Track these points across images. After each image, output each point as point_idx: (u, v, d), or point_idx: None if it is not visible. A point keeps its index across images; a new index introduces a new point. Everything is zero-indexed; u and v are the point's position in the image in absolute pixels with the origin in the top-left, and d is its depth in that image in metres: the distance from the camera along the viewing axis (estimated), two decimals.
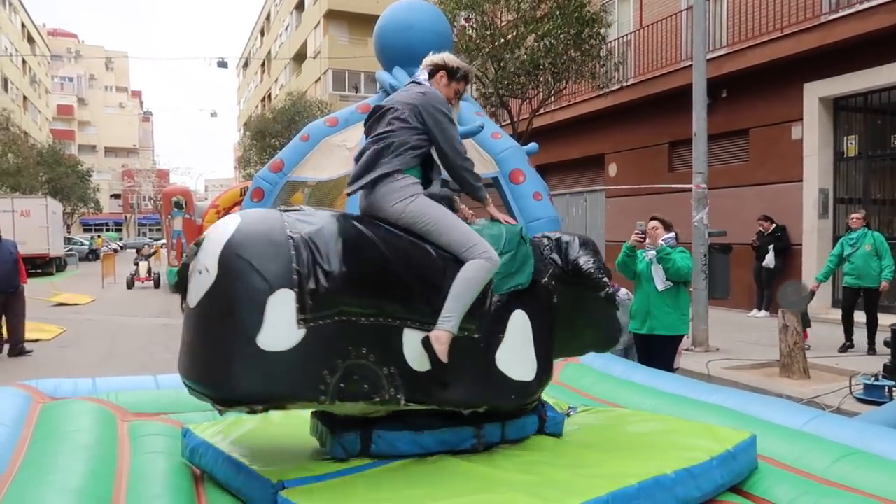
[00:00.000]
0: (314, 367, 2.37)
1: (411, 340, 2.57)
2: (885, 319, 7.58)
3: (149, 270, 18.70)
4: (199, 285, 2.40)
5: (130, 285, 18.16)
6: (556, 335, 3.01)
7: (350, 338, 2.44)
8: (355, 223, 2.60)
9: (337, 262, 2.45)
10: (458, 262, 2.67)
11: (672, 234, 5.21)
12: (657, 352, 5.13)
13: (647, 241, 5.17)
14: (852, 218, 7.98)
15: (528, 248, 2.97)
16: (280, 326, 2.33)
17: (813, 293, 8.00)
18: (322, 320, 2.39)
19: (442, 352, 2.54)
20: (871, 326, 7.66)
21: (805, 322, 7.38)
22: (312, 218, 2.56)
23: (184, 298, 2.53)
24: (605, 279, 2.99)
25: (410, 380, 2.55)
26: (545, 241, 3.13)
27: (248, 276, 2.34)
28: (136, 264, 18.75)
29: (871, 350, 7.50)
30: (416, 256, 2.63)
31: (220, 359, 2.33)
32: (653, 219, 5.33)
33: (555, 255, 3.06)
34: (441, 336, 2.55)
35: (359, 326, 2.46)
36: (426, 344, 2.55)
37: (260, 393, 2.34)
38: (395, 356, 2.53)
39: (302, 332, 2.36)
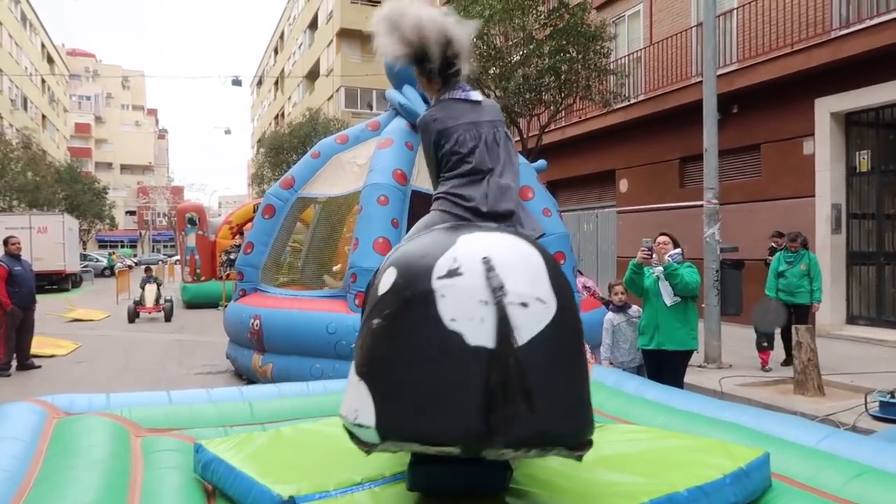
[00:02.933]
0: None
1: None
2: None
3: (158, 298, 14.57)
4: (530, 319, 1.95)
5: (133, 317, 14.00)
6: None
7: None
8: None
9: None
10: None
11: (678, 251, 5.23)
12: (666, 367, 5.12)
13: (654, 257, 5.18)
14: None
15: None
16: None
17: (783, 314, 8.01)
18: None
19: None
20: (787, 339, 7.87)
21: (769, 343, 7.46)
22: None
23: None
24: None
25: None
26: None
27: (574, 303, 2.13)
28: (142, 288, 14.69)
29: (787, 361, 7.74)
30: None
31: (581, 401, 2.05)
32: (661, 234, 5.35)
33: None
34: None
35: None
36: None
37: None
38: None
39: None
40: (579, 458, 2.12)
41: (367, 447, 2.07)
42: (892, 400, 5.43)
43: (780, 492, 2.86)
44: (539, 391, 1.90)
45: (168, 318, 14.14)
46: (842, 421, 5.38)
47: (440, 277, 1.95)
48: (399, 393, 1.92)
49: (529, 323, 1.93)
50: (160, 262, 33.87)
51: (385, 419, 1.92)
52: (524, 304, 1.94)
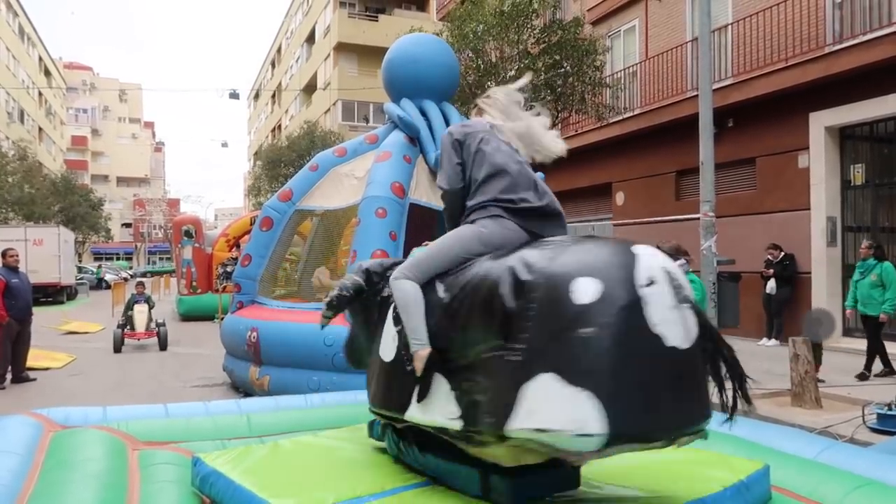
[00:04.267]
0: None
1: None
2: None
3: (150, 321, 11.82)
4: (695, 322, 2.25)
5: (119, 345, 11.24)
6: None
7: None
8: None
9: None
10: None
11: (682, 261, 5.20)
12: None
13: None
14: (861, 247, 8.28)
15: None
16: None
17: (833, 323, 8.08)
18: None
19: None
20: (870, 353, 7.93)
21: (818, 356, 7.40)
22: None
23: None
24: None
25: None
26: None
27: None
28: (130, 308, 11.87)
29: (864, 374, 7.78)
30: None
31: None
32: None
33: None
34: None
35: None
36: None
37: None
38: None
39: None
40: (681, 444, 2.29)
41: (581, 455, 2.20)
42: (889, 412, 5.43)
43: None
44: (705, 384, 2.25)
45: (163, 346, 11.47)
46: (840, 433, 5.38)
47: (643, 286, 2.16)
48: (626, 397, 2.04)
49: (695, 325, 2.23)
50: (148, 275, 33.55)
51: (616, 425, 2.01)
52: (693, 310, 2.24)
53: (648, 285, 2.15)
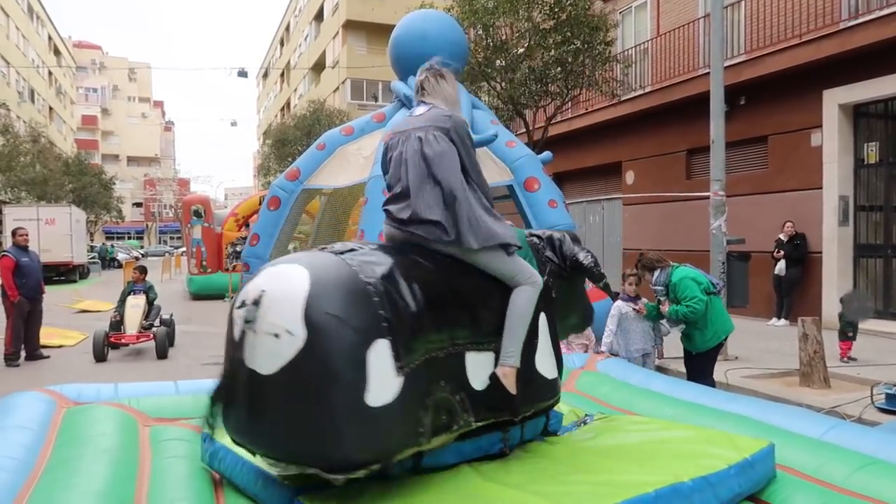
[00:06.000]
0: (413, 412, 2.32)
1: (472, 362, 2.61)
2: None
3: (146, 318, 9.08)
4: (278, 351, 2.17)
5: (100, 353, 8.51)
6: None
7: (433, 374, 2.42)
8: (415, 257, 2.59)
9: (415, 300, 2.38)
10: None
11: (657, 276, 5.25)
12: (689, 365, 5.30)
13: (640, 301, 5.39)
14: None
15: (528, 249, 3.09)
16: (383, 379, 2.21)
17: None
18: (414, 363, 2.33)
19: (511, 385, 2.67)
20: None
21: (853, 333, 7.37)
22: (373, 257, 2.46)
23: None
24: (601, 270, 3.18)
25: (475, 400, 2.60)
26: (536, 239, 3.21)
27: (343, 333, 2.18)
28: (121, 304, 9.14)
29: None
30: (473, 281, 2.69)
31: (329, 426, 2.15)
32: (629, 275, 5.54)
33: (549, 253, 3.17)
34: (508, 372, 2.67)
35: (437, 360, 2.44)
36: (494, 378, 2.66)
37: (376, 452, 2.23)
38: (461, 381, 2.56)
39: (400, 380, 2.25)
40: (337, 483, 2.28)
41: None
42: None
43: (784, 483, 2.87)
44: (286, 418, 2.19)
45: (162, 354, 8.71)
46: (847, 413, 5.37)
47: (237, 307, 2.32)
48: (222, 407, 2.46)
49: (273, 355, 2.17)
50: (166, 255, 33.83)
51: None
52: (275, 336, 2.17)
53: (240, 307, 2.28)
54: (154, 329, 9.00)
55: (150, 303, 9.28)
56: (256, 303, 2.22)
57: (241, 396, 2.30)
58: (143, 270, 9.76)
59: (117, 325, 8.98)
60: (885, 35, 9.29)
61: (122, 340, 8.81)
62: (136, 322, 8.88)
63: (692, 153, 13.22)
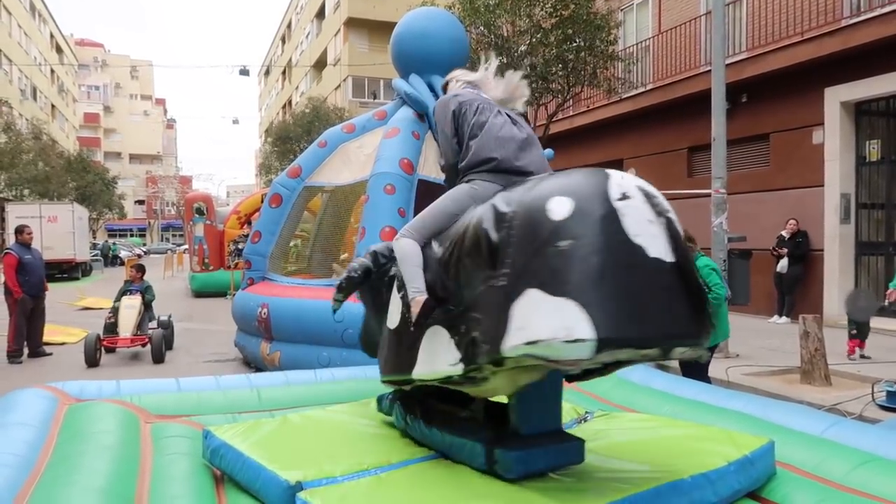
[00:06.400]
0: None
1: None
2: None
3: (141, 319, 8.62)
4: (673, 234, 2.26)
5: (92, 358, 7.95)
6: None
7: None
8: None
9: None
10: None
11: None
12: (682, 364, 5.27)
13: None
14: None
15: None
16: None
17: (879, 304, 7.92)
18: None
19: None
20: None
21: (864, 332, 7.36)
22: None
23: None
24: None
25: None
26: None
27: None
28: (115, 307, 8.72)
29: None
30: None
31: (704, 309, 2.24)
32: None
33: None
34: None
35: None
36: None
37: None
38: None
39: None
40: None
41: (576, 363, 2.20)
42: None
43: (784, 479, 2.88)
44: (700, 293, 2.22)
45: (159, 359, 8.22)
46: (848, 410, 5.37)
47: (616, 200, 2.18)
48: (611, 303, 2.05)
49: (678, 238, 2.24)
50: (168, 252, 33.86)
51: (604, 329, 2.01)
52: (674, 222, 2.25)
53: (622, 199, 2.18)
54: (150, 332, 8.55)
55: (146, 304, 8.83)
56: (650, 195, 2.26)
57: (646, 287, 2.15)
58: (141, 269, 9.39)
59: (112, 327, 8.56)
60: (886, 32, 9.27)
61: (116, 344, 8.41)
62: (131, 324, 8.44)
63: (693, 151, 13.20)
